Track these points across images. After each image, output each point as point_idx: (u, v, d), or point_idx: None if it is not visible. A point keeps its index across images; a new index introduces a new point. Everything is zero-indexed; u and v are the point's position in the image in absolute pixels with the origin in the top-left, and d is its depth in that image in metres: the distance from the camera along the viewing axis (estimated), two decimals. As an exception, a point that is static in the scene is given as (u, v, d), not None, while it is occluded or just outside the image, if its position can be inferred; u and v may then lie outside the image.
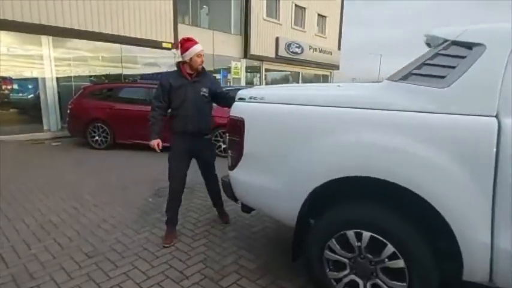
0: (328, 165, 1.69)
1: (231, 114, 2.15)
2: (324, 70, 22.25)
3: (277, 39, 16.28)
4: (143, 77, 10.57)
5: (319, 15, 20.33)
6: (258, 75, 16.09)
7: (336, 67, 23.09)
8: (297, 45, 17.48)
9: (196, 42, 2.65)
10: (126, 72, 10.04)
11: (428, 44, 2.22)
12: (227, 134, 2.20)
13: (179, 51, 2.70)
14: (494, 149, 1.32)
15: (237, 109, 2.12)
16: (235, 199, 2.31)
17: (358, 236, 1.68)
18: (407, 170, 1.50)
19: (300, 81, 19.72)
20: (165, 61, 11.30)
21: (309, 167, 1.77)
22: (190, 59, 2.61)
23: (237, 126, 2.09)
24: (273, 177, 1.95)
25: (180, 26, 10.96)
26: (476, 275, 1.47)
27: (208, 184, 3.11)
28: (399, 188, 1.52)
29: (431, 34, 1.68)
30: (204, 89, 2.69)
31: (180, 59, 2.72)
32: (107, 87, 7.37)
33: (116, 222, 3.04)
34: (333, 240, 1.77)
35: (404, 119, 1.53)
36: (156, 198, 3.74)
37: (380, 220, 1.63)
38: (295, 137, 1.82)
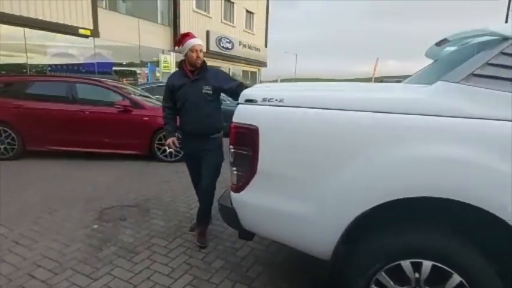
0: (387, 185, 1.37)
1: (236, 120, 1.67)
2: (252, 67, 22.35)
3: (207, 32, 15.62)
4: (54, 68, 8.88)
5: (247, 11, 20.28)
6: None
7: (264, 64, 23.44)
8: (228, 41, 17.08)
9: (192, 37, 2.56)
10: (32, 62, 8.23)
11: (441, 41, 2.06)
12: (231, 146, 1.70)
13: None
14: None
15: (246, 114, 1.64)
16: (239, 228, 1.83)
17: (416, 266, 1.41)
18: (489, 190, 1.27)
19: (230, 78, 19.38)
20: (83, 51, 9.72)
21: (357, 188, 1.42)
22: (186, 54, 2.52)
23: (247, 137, 1.62)
24: (301, 200, 1.55)
25: (100, 11, 9.49)
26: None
27: (200, 193, 2.72)
28: (472, 210, 1.29)
29: (490, 30, 1.47)
30: (207, 87, 2.51)
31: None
32: (10, 81, 5.82)
33: (55, 266, 2.24)
34: (383, 272, 1.47)
35: (482, 128, 1.29)
36: (103, 223, 2.95)
37: (445, 247, 1.39)
38: (338, 151, 1.45)
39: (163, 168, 5.00)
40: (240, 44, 18.58)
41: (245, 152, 1.64)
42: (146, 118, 5.34)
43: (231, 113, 1.72)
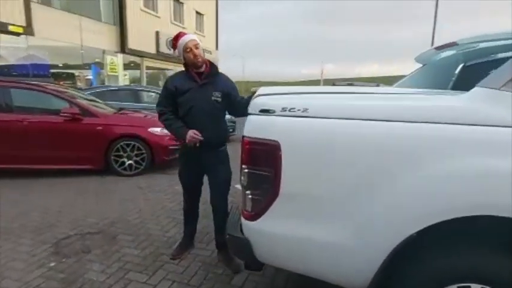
0: (443, 203, 1.21)
1: (250, 135, 1.40)
2: (204, 69, 21.82)
3: (157, 33, 14.83)
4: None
5: (196, 12, 19.77)
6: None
7: (216, 67, 22.98)
8: (179, 42, 16.40)
9: (182, 36, 2.24)
10: None
11: (446, 45, 2.01)
12: (244, 166, 1.42)
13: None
14: None
15: (263, 127, 1.38)
16: (252, 260, 1.54)
17: (464, 292, 1.28)
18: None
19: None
20: (13, 52, 8.48)
21: (406, 208, 1.25)
22: (184, 57, 2.24)
23: (266, 154, 1.35)
24: (335, 226, 1.33)
25: (34, 6, 8.37)
26: None
27: (215, 212, 2.41)
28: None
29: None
30: (217, 93, 2.24)
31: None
32: None
33: (5, 326, 1.74)
34: (427, 301, 1.31)
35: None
36: (62, 259, 2.43)
37: (495, 267, 1.27)
38: (380, 168, 1.25)
39: (123, 184, 4.47)
40: (191, 46, 18.03)
41: (264, 173, 1.37)
42: (100, 127, 4.75)
43: None
